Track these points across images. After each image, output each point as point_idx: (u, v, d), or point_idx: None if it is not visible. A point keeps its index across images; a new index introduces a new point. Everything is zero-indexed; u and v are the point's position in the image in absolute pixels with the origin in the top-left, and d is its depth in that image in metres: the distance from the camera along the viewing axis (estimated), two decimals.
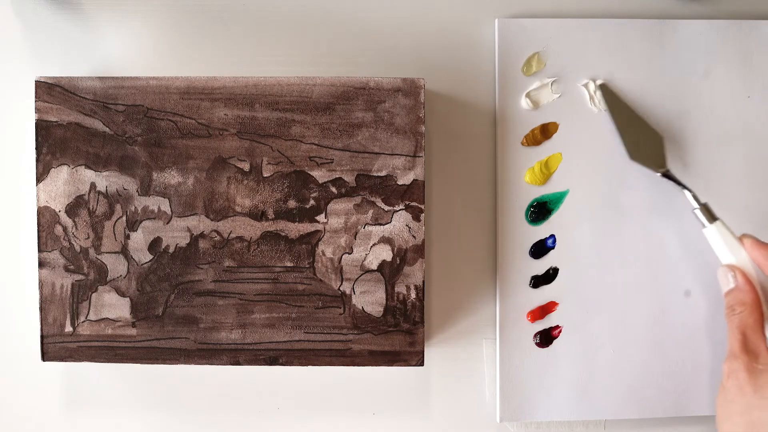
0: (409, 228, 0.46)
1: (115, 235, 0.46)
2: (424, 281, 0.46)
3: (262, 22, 0.50)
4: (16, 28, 0.50)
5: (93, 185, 0.46)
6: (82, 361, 0.46)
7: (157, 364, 0.46)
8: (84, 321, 0.46)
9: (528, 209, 0.50)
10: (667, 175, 0.48)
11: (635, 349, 0.50)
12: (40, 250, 0.46)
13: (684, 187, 0.47)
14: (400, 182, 0.46)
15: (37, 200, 0.46)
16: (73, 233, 0.46)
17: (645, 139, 0.48)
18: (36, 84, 0.45)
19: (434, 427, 0.51)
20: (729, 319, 0.43)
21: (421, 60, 0.50)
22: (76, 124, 0.46)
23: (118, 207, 0.46)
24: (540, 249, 0.50)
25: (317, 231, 0.46)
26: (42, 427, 0.51)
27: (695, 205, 0.46)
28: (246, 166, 0.46)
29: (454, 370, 0.51)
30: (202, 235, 0.46)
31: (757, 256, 0.43)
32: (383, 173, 0.46)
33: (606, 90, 0.49)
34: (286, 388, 0.51)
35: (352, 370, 0.50)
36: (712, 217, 0.46)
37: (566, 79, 0.50)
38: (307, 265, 0.46)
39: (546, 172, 0.49)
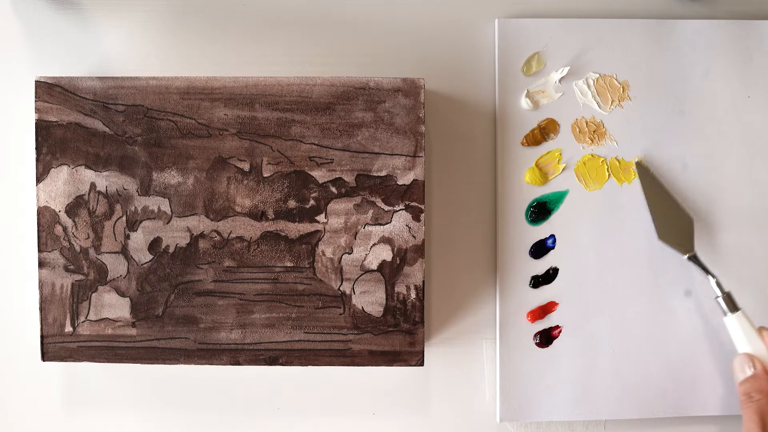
0: (409, 228, 0.46)
1: (115, 235, 0.46)
2: (424, 281, 0.46)
3: (262, 22, 0.50)
4: (16, 28, 0.50)
5: (93, 185, 0.46)
6: (82, 361, 0.46)
7: (157, 364, 0.46)
8: (84, 321, 0.46)
9: (528, 209, 0.50)
10: (694, 259, 0.48)
11: (635, 349, 0.50)
12: (40, 250, 0.46)
13: (709, 273, 0.47)
14: (400, 182, 0.46)
15: (37, 200, 0.46)
16: (73, 233, 0.46)
17: (675, 221, 0.48)
18: (36, 84, 0.45)
19: (434, 427, 0.51)
20: (746, 405, 0.43)
21: (421, 60, 0.50)
22: (76, 124, 0.46)
23: (118, 207, 0.46)
24: (540, 249, 0.50)
25: (317, 231, 0.46)
26: (42, 427, 0.51)
27: (718, 293, 0.47)
28: (246, 166, 0.46)
29: (454, 370, 0.51)
30: (202, 235, 0.46)
31: None
32: (383, 173, 0.46)
33: (641, 167, 0.49)
34: (286, 388, 0.51)
35: (352, 370, 0.50)
36: (734, 307, 0.46)
37: (566, 79, 0.50)
38: (307, 265, 0.46)
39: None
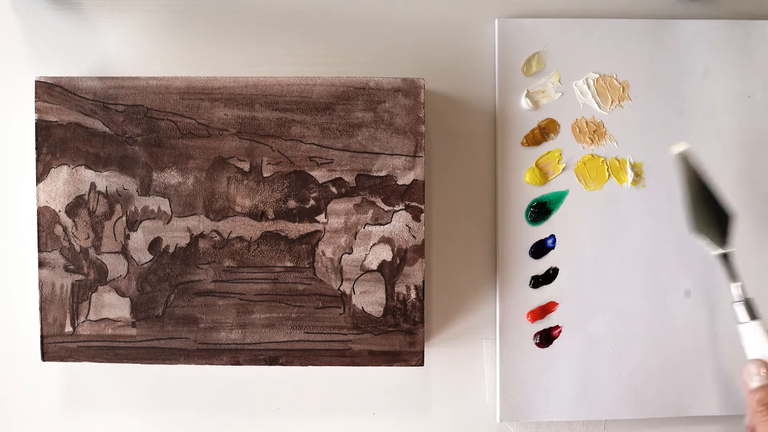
0: (409, 228, 0.46)
1: (115, 235, 0.46)
2: (424, 281, 0.46)
3: (262, 22, 0.50)
4: (16, 28, 0.50)
5: (93, 185, 0.46)
6: (82, 361, 0.46)
7: (157, 364, 0.46)
8: (84, 321, 0.46)
9: (528, 209, 0.50)
10: (723, 258, 0.46)
11: (635, 349, 0.50)
12: (40, 250, 0.46)
13: (735, 278, 0.46)
14: (400, 182, 0.46)
15: (37, 200, 0.46)
16: (73, 233, 0.46)
17: (710, 215, 0.46)
18: (36, 84, 0.45)
19: (434, 427, 0.51)
20: (763, 414, 0.41)
21: (421, 60, 0.50)
22: (76, 124, 0.46)
23: (118, 207, 0.46)
24: (540, 249, 0.50)
25: (317, 231, 0.46)
26: (42, 427, 0.51)
27: (738, 298, 0.45)
28: (246, 166, 0.46)
29: (454, 370, 0.51)
30: (202, 235, 0.46)
31: None
32: (383, 173, 0.46)
33: (682, 157, 0.47)
34: (286, 388, 0.51)
35: (352, 370, 0.50)
36: (753, 315, 0.45)
37: (566, 79, 0.50)
38: (307, 265, 0.46)
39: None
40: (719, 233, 0.47)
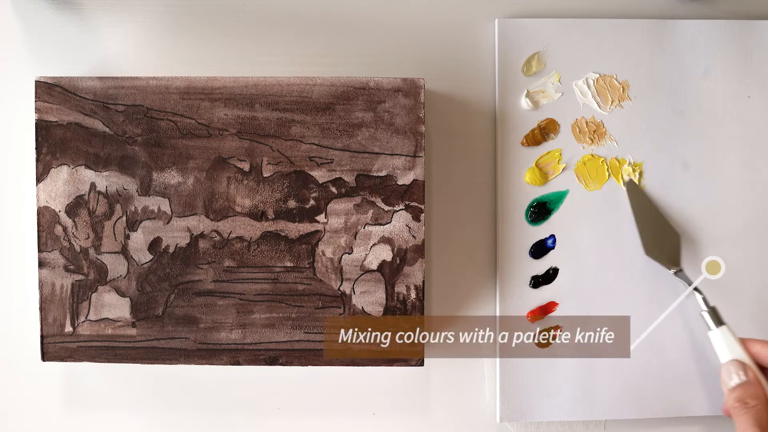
0: (409, 228, 0.46)
1: (115, 235, 0.46)
2: (424, 281, 0.46)
3: (262, 22, 0.50)
4: (16, 28, 0.50)
5: (93, 185, 0.46)
6: (82, 361, 0.46)
7: (157, 364, 0.46)
8: (84, 321, 0.46)
9: (528, 209, 0.50)
10: (680, 275, 0.48)
11: (635, 349, 0.50)
12: (40, 250, 0.46)
13: (695, 289, 0.48)
14: (400, 182, 0.46)
15: (37, 200, 0.46)
16: (73, 233, 0.46)
17: (662, 237, 0.49)
18: (36, 84, 0.45)
19: (434, 427, 0.51)
20: (741, 412, 0.42)
21: (421, 60, 0.50)
22: (76, 124, 0.46)
23: (118, 207, 0.46)
24: (540, 249, 0.50)
25: (317, 231, 0.46)
26: (42, 427, 0.51)
27: (704, 308, 0.47)
28: (246, 166, 0.46)
29: (454, 370, 0.51)
30: (202, 235, 0.46)
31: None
32: (383, 173, 0.46)
33: (631, 185, 0.49)
34: (286, 388, 0.51)
35: (352, 370, 0.50)
36: (719, 322, 0.46)
37: (566, 79, 0.50)
38: (307, 265, 0.46)
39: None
40: (670, 253, 0.49)
